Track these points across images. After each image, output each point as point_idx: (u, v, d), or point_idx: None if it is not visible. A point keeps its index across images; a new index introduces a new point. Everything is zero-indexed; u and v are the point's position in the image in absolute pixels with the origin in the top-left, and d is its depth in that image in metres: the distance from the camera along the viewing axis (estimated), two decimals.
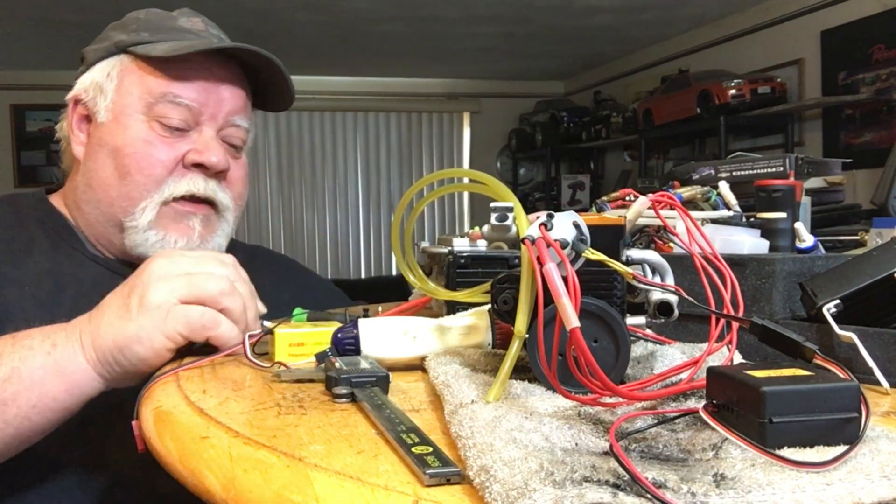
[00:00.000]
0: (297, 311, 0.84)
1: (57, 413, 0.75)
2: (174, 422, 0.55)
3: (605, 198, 0.95)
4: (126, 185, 0.96)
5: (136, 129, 0.97)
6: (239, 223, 1.07)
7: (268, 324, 0.76)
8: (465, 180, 0.70)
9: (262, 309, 0.83)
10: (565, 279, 0.47)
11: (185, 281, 0.75)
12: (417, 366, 0.68)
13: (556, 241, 0.50)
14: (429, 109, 6.63)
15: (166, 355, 0.74)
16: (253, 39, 1.13)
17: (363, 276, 6.44)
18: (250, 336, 0.72)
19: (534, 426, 0.44)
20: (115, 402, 0.86)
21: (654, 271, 0.61)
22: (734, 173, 1.08)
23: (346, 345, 0.66)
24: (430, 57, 5.70)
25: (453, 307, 0.84)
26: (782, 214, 0.86)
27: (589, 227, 0.56)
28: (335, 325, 0.73)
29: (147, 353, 0.73)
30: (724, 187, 0.98)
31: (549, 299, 0.48)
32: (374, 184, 6.55)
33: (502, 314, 0.58)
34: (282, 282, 1.19)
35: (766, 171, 1.05)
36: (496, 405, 0.49)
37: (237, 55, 1.03)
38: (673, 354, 0.64)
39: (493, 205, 0.58)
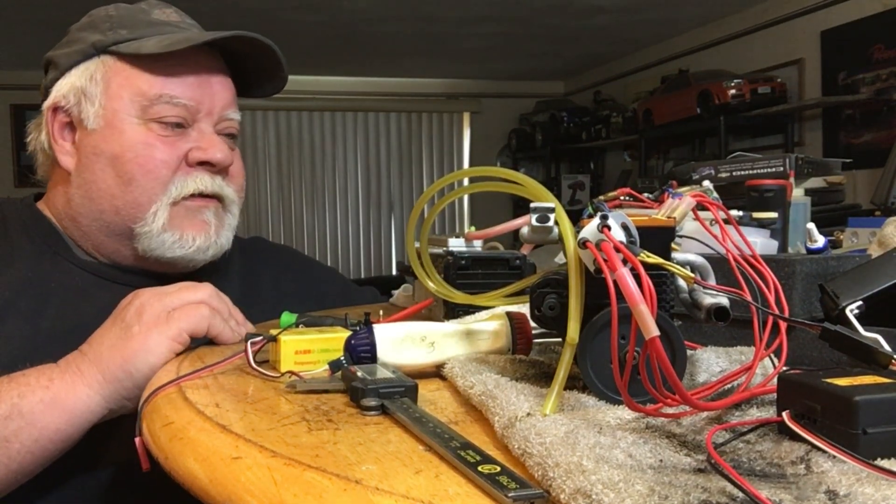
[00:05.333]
0: (286, 314, 0.83)
1: (58, 444, 0.76)
2: (194, 440, 0.50)
3: (601, 197, 0.95)
4: (132, 192, 0.94)
5: (133, 133, 0.94)
6: (238, 221, 1.06)
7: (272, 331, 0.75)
8: (464, 181, 0.69)
9: (250, 327, 0.87)
10: (639, 285, 0.45)
11: (173, 297, 0.80)
12: (433, 373, 0.65)
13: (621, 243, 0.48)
14: (429, 109, 6.63)
15: (173, 359, 0.77)
16: None
17: (363, 275, 6.43)
18: (252, 344, 0.69)
19: (611, 441, 0.42)
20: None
21: (695, 273, 0.58)
22: (734, 173, 1.08)
23: (362, 352, 0.63)
24: (430, 57, 5.70)
25: (453, 309, 0.84)
26: (774, 214, 0.85)
27: (638, 228, 0.53)
28: (339, 331, 0.70)
29: (157, 359, 0.76)
30: (707, 187, 0.98)
31: (604, 304, 0.45)
32: (373, 184, 6.55)
33: (547, 320, 0.56)
34: (283, 273, 1.18)
35: (766, 171, 1.05)
36: (556, 418, 0.45)
37: (220, 44, 0.99)
38: (709, 359, 0.61)
39: (533, 205, 0.55)
